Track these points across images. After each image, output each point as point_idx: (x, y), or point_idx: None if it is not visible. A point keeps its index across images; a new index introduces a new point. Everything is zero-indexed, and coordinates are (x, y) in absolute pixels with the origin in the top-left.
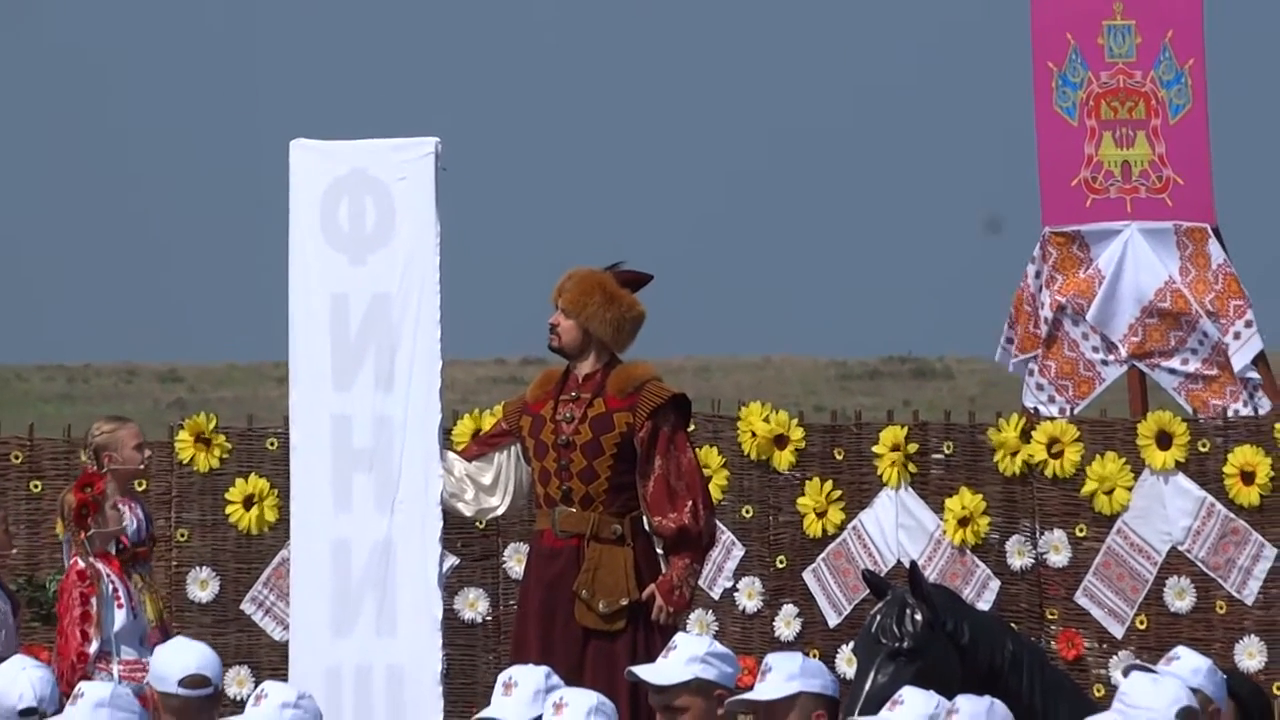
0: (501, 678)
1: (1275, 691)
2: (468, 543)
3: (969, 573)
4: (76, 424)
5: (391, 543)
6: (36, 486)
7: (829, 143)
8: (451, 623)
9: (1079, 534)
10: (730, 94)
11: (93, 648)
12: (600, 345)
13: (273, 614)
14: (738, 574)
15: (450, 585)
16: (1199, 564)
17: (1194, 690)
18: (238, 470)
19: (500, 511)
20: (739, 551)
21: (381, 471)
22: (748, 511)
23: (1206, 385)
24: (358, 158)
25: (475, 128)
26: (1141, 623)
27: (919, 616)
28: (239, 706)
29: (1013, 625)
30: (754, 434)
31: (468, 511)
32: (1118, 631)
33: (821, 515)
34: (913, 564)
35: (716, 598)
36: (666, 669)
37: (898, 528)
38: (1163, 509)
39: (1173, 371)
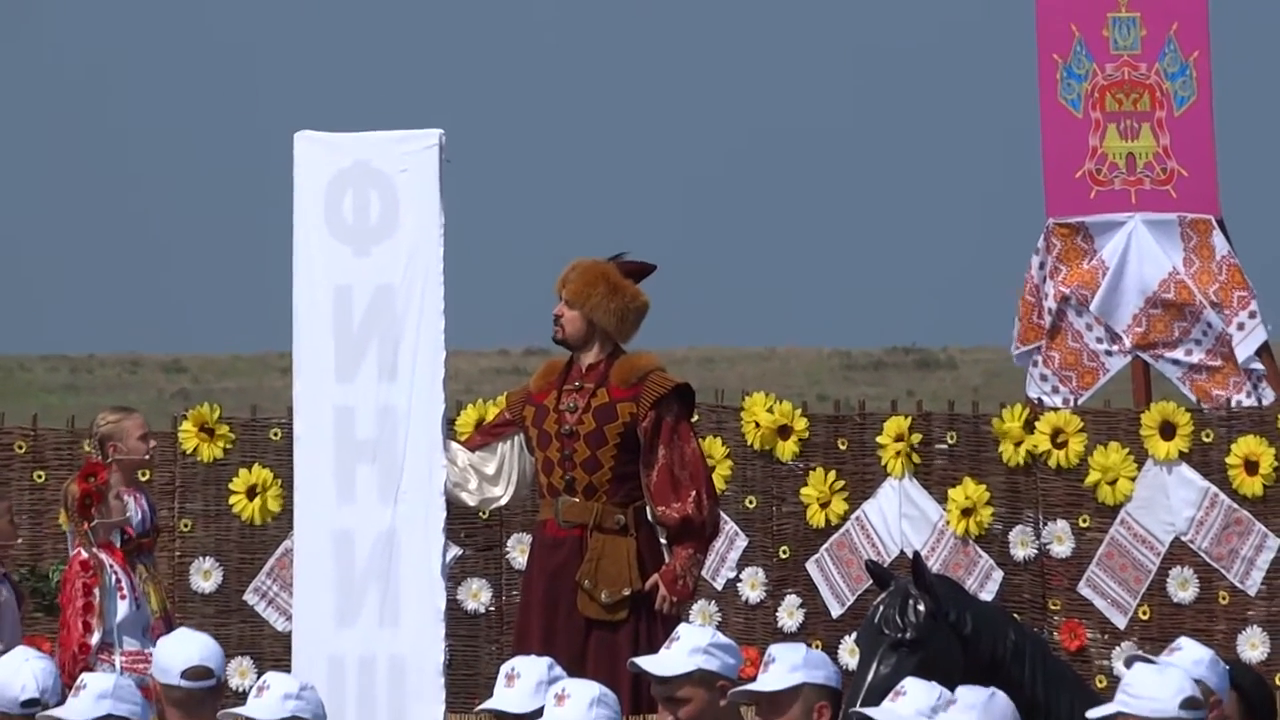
0: (504, 669)
1: (1278, 682)
2: (471, 533)
3: (972, 563)
4: (80, 414)
5: (395, 533)
6: (40, 477)
7: (833, 134)
8: (454, 613)
9: (1082, 524)
10: (733, 86)
11: (94, 639)
12: (604, 335)
13: (276, 604)
14: (741, 564)
15: (453, 576)
16: (1202, 554)
17: (1196, 681)
18: (241, 461)
19: (503, 501)
20: (742, 542)
21: (385, 462)
22: (751, 502)
23: (1210, 376)
24: (362, 150)
25: (479, 120)
26: (1144, 613)
27: (922, 607)
28: (241, 697)
29: (1015, 616)
30: (758, 424)
31: (471, 501)
32: (1120, 622)
33: (825, 505)
34: (916, 554)
35: (719, 588)
36: (669, 660)
37: (901, 518)
38: (1166, 499)
39: (1176, 362)
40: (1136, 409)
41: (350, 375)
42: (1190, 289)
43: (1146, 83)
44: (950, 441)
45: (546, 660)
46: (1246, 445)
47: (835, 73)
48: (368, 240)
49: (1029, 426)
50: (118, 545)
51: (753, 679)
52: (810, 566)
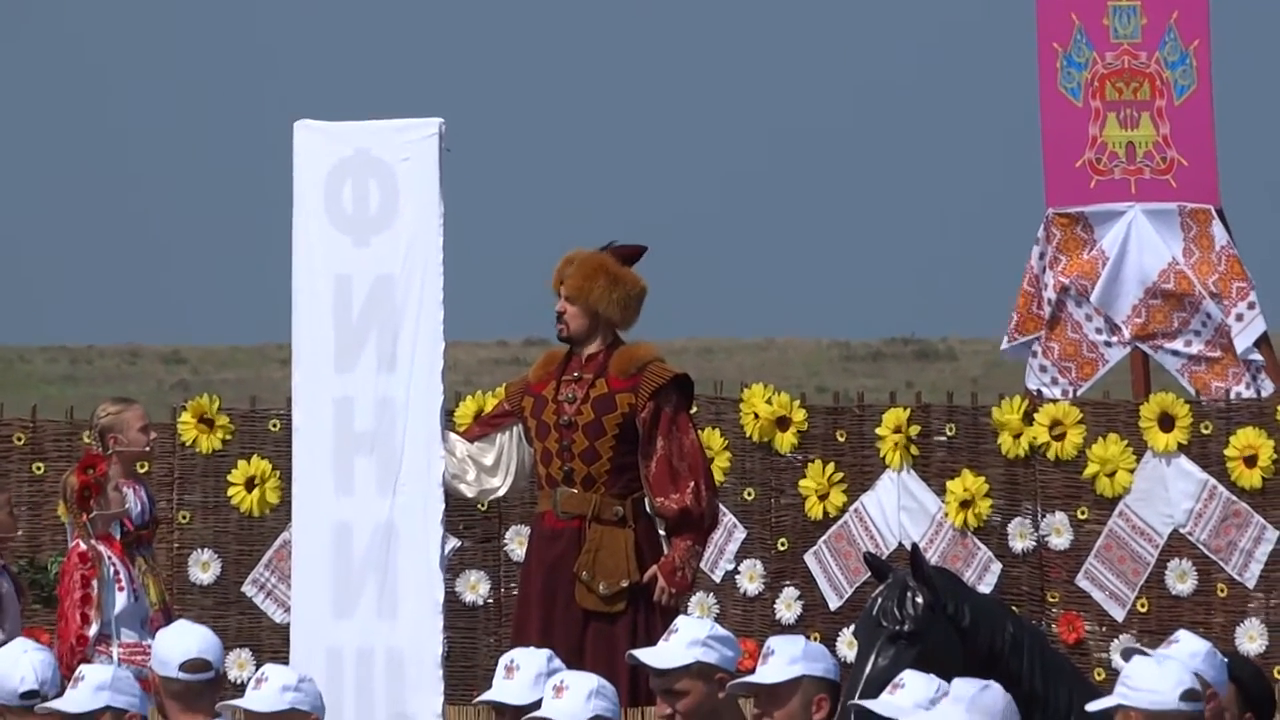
0: (503, 660)
1: (1276, 675)
2: (469, 525)
3: (970, 555)
4: (79, 406)
5: (393, 525)
6: (39, 468)
7: (832, 125)
8: (453, 605)
9: (1081, 516)
10: (733, 80)
11: (92, 630)
12: (607, 326)
13: (274, 596)
14: (739, 556)
15: (452, 568)
16: (1200, 547)
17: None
18: (240, 452)
19: (502, 492)
20: (740, 534)
21: (383, 454)
22: (749, 494)
23: (1209, 367)
24: (362, 139)
25: (479, 109)
26: (1143, 606)
27: (920, 599)
28: (240, 689)
29: (1014, 608)
30: (756, 416)
31: (469, 492)
32: (1119, 614)
33: (823, 497)
34: (914, 546)
35: (718, 580)
36: (667, 652)
37: (899, 510)
38: (1164, 491)
39: (1176, 353)
40: (1135, 401)
41: (349, 366)
42: (1190, 279)
43: (1146, 72)
44: (949, 433)
45: (546, 652)
46: (1245, 437)
47: (835, 64)
48: (367, 230)
49: (1028, 418)
50: (117, 537)
51: (751, 671)
52: (808, 559)
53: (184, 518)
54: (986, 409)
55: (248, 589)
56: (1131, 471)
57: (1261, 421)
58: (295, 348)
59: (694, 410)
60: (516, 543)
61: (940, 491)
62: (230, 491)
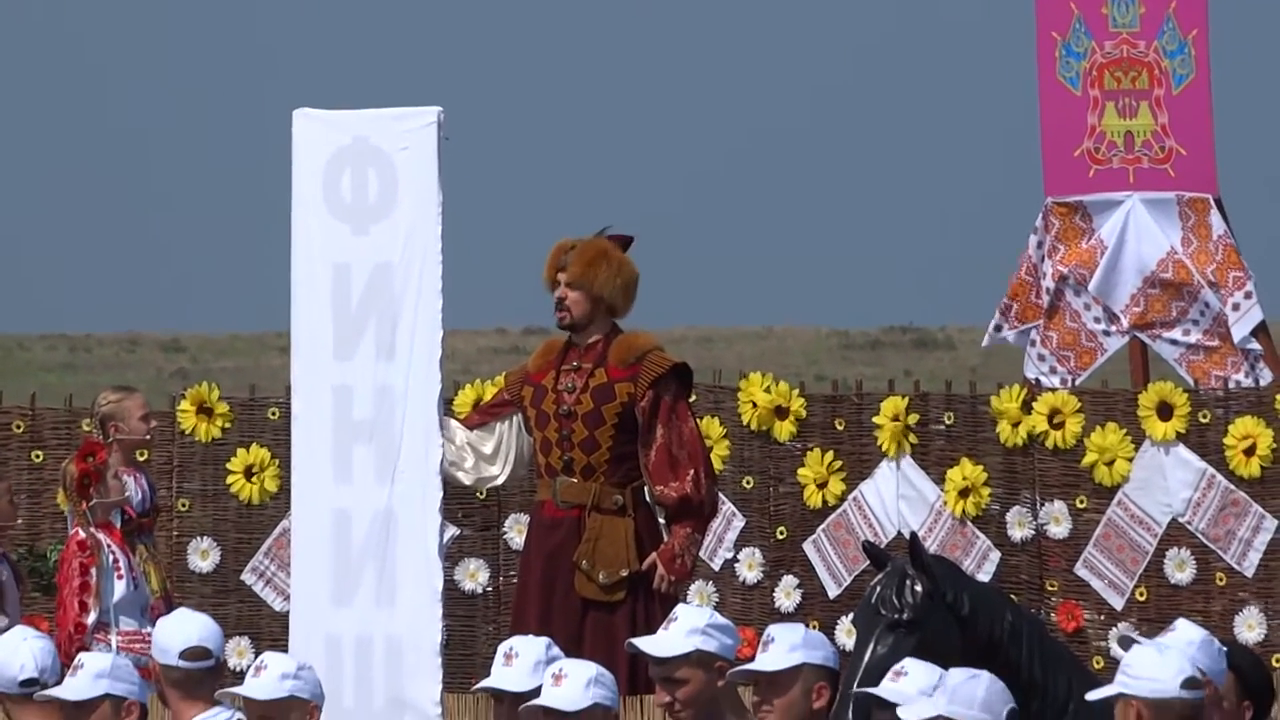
0: (502, 648)
1: (1275, 663)
2: (468, 513)
3: (969, 544)
4: (78, 393)
5: (392, 513)
6: (38, 456)
7: (831, 113)
8: (452, 593)
9: (1079, 505)
10: (731, 66)
11: (90, 618)
12: (607, 313)
13: (273, 584)
14: (738, 545)
15: (451, 556)
16: (1199, 535)
17: None
18: (239, 440)
19: (499, 481)
20: (739, 522)
21: (382, 442)
22: (748, 482)
23: (1207, 356)
24: (360, 127)
25: (478, 97)
26: (1141, 594)
27: (919, 588)
28: (239, 677)
29: (1013, 597)
30: (755, 404)
31: (467, 480)
32: (1118, 603)
33: (822, 486)
34: (913, 535)
35: (717, 569)
36: (667, 641)
37: (898, 498)
38: (1163, 480)
39: (1174, 342)
40: (1134, 389)
41: (348, 354)
42: (1188, 268)
43: (1145, 61)
44: (948, 422)
45: (544, 640)
46: (1244, 426)
47: (833, 52)
48: (366, 219)
49: (1026, 407)
50: (117, 525)
51: (750, 659)
52: (807, 547)
53: (183, 506)
54: (985, 398)
55: (247, 577)
56: (1130, 460)
57: (1260, 410)
58: (294, 336)
59: (693, 399)
60: (515, 531)
61: (939, 480)
62: (229, 480)
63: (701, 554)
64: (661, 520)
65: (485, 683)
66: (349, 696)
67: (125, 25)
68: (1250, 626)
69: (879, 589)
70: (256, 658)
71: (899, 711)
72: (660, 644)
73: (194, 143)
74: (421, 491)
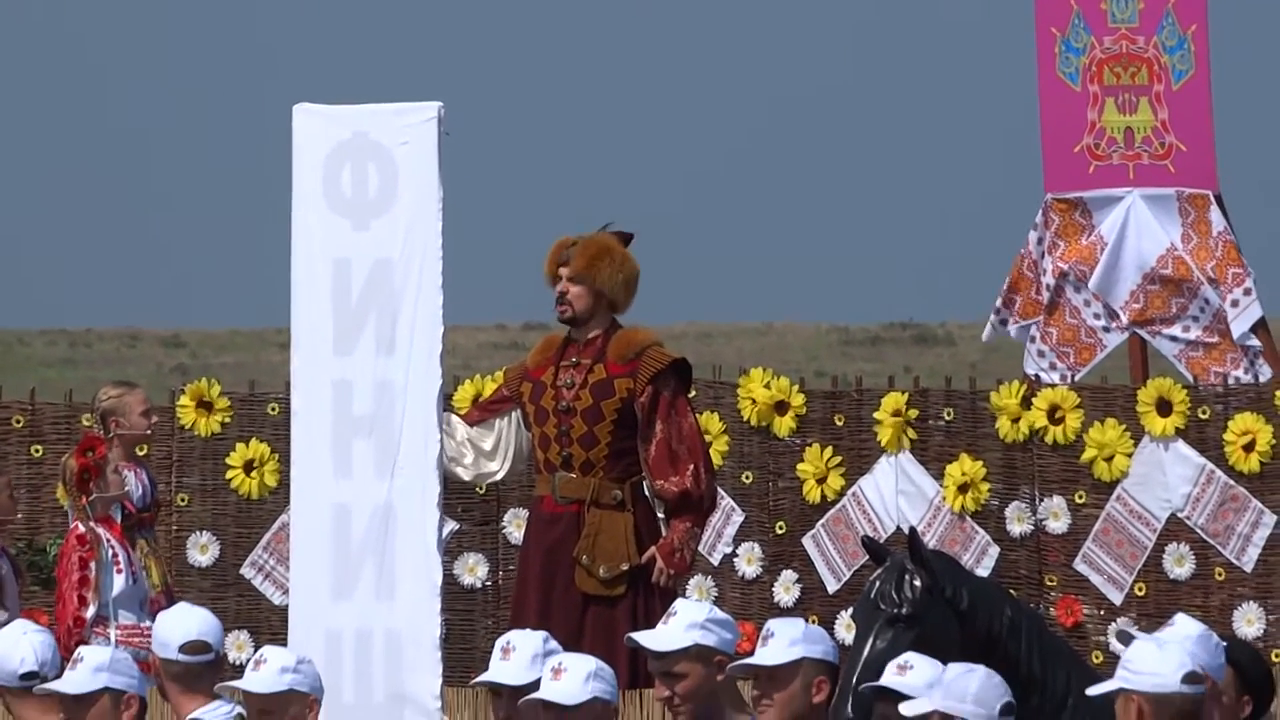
0: (500, 642)
1: (1274, 658)
2: (468, 508)
3: (968, 539)
4: (78, 389)
5: (391, 508)
6: (38, 451)
7: (831, 109)
8: (451, 588)
9: (1078, 501)
10: (731, 61)
11: (89, 612)
12: (608, 308)
13: (273, 578)
14: (737, 540)
15: (450, 550)
16: (1198, 531)
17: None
18: (239, 435)
19: (499, 476)
20: (739, 517)
21: (382, 437)
22: (748, 477)
23: (1207, 352)
24: (361, 122)
25: (478, 92)
26: (1140, 590)
27: (918, 582)
28: (238, 671)
29: (1012, 592)
30: (754, 400)
31: (466, 476)
32: (1117, 598)
33: (821, 481)
34: (912, 530)
35: (716, 563)
36: (666, 635)
37: (897, 494)
38: (1162, 476)
39: (1174, 339)
40: (1133, 385)
41: (348, 349)
42: (1188, 265)
43: (1144, 56)
44: (947, 417)
45: (541, 633)
46: (1243, 422)
47: (833, 47)
48: (366, 214)
49: (1026, 403)
50: (118, 520)
51: (749, 654)
52: (807, 542)
53: (183, 500)
54: (985, 393)
55: (246, 571)
56: (1129, 456)
57: (1260, 406)
58: (294, 331)
59: (693, 394)
60: (515, 526)
61: (938, 475)
62: (229, 474)
63: (701, 548)
64: (661, 515)
65: (483, 677)
66: (348, 690)
67: (125, 22)
68: (1249, 621)
69: (878, 584)
70: (256, 652)
71: (901, 708)
72: (659, 638)
73: (194, 138)
74: (421, 486)
